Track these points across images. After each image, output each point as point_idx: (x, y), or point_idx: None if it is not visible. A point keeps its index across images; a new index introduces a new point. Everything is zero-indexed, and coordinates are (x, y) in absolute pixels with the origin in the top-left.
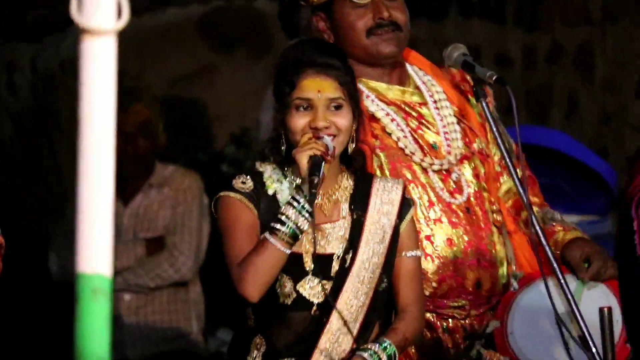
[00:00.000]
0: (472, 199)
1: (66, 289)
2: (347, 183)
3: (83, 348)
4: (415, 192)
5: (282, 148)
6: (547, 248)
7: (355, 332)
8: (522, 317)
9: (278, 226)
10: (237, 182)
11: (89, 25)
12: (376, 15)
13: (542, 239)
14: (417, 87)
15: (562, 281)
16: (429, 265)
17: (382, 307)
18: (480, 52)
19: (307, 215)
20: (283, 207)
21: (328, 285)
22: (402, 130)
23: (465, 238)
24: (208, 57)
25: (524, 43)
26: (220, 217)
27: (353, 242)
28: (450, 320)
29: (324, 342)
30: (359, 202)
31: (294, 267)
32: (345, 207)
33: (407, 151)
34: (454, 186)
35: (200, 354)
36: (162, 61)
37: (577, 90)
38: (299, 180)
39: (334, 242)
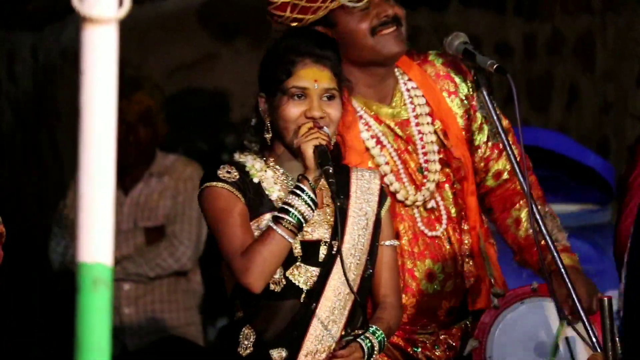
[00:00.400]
0: (450, 229)
1: (66, 278)
2: None
3: (83, 337)
4: (401, 226)
5: (267, 136)
6: (549, 241)
7: (344, 319)
8: (503, 343)
9: (283, 215)
10: (223, 172)
11: (90, 14)
12: (381, 13)
13: (545, 234)
14: (403, 101)
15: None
16: (409, 299)
17: (368, 294)
18: (481, 41)
19: (311, 204)
20: (288, 197)
21: (316, 272)
22: (390, 157)
23: (446, 270)
24: (209, 46)
25: (525, 32)
26: (209, 208)
27: (338, 228)
28: (419, 344)
29: (314, 329)
30: (340, 190)
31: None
32: (327, 195)
33: (391, 188)
34: (434, 217)
35: (199, 344)
36: (162, 50)
37: (578, 80)
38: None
39: (320, 228)
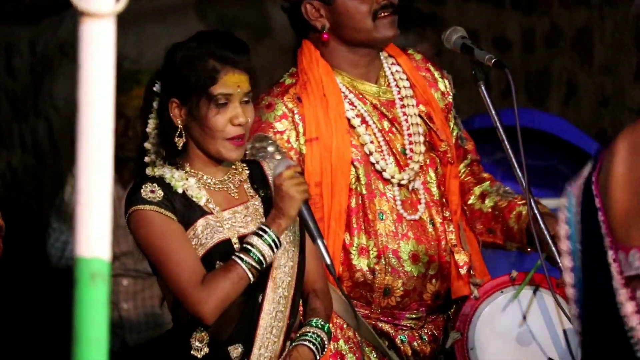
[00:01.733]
0: (433, 209)
1: (65, 273)
2: (241, 166)
3: (81, 332)
4: (386, 206)
5: (179, 141)
6: (547, 234)
7: (288, 307)
8: (484, 332)
9: (243, 255)
10: (146, 193)
11: (88, 8)
12: None
13: (543, 226)
14: (388, 83)
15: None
16: (395, 281)
17: (303, 282)
18: (479, 36)
19: (273, 245)
20: (250, 237)
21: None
22: (375, 136)
23: (430, 253)
24: None
25: (523, 26)
26: (142, 235)
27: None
28: (406, 331)
29: (263, 322)
30: (258, 182)
31: (224, 253)
32: (249, 187)
33: (377, 167)
34: (415, 198)
35: None
36: (160, 44)
37: (576, 74)
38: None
39: (252, 221)
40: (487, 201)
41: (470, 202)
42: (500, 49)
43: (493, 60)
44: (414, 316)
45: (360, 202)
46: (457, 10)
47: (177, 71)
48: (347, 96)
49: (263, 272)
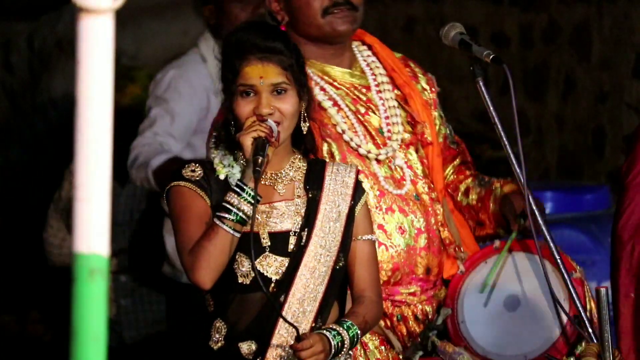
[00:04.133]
0: (418, 185)
1: (62, 271)
2: (299, 164)
3: (80, 328)
4: (365, 182)
5: (232, 133)
6: (544, 229)
7: (314, 311)
8: (472, 304)
9: (224, 214)
10: (187, 171)
11: (86, 4)
12: None
13: (541, 223)
14: (362, 70)
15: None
16: (383, 254)
17: (339, 287)
18: (477, 31)
19: (251, 200)
20: (227, 194)
21: (286, 262)
22: (347, 118)
23: (416, 225)
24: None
25: (521, 22)
26: (172, 207)
27: (309, 219)
28: (403, 307)
29: (283, 321)
30: (314, 182)
31: (246, 246)
32: (299, 186)
33: (352, 144)
34: (399, 175)
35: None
36: (158, 40)
37: (574, 70)
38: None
39: (288, 219)
40: (470, 195)
41: (458, 199)
42: (499, 45)
43: (491, 57)
44: (407, 290)
45: None
46: (455, 6)
47: (220, 68)
48: (317, 83)
49: (290, 269)
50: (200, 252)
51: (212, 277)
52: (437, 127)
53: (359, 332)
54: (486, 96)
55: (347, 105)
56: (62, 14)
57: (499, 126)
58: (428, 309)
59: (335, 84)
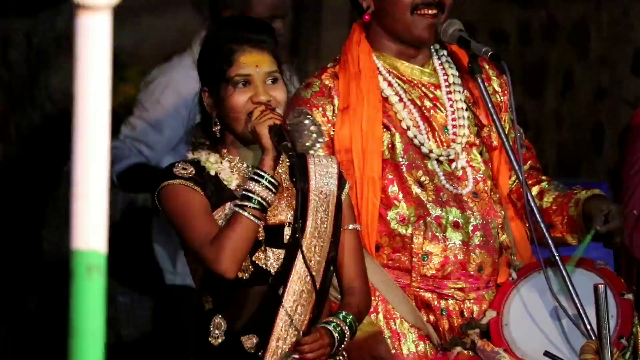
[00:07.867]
0: (479, 185)
1: (60, 267)
2: (282, 156)
3: (78, 325)
4: (424, 178)
5: (216, 129)
6: (543, 227)
7: (311, 301)
8: (519, 309)
9: (245, 202)
10: (178, 169)
11: (84, 0)
12: None
13: (538, 217)
14: (435, 69)
15: (562, 266)
16: (435, 248)
17: (332, 277)
18: (476, 28)
19: (272, 187)
20: (247, 183)
21: (282, 254)
22: (412, 114)
23: (473, 222)
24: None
25: (519, 19)
26: (168, 207)
27: (301, 210)
28: (449, 301)
29: (282, 314)
30: (299, 174)
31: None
32: (286, 179)
33: (415, 141)
34: (459, 175)
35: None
36: (157, 36)
37: (573, 66)
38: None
39: (281, 211)
40: (545, 197)
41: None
42: (497, 42)
43: (490, 53)
44: (456, 285)
45: (396, 170)
46: (454, 3)
47: (201, 60)
48: (385, 77)
49: (287, 260)
50: (224, 242)
51: (237, 266)
52: (507, 130)
53: (354, 319)
54: (485, 93)
55: (412, 100)
56: (61, 11)
57: (498, 123)
58: (475, 307)
59: (403, 78)
